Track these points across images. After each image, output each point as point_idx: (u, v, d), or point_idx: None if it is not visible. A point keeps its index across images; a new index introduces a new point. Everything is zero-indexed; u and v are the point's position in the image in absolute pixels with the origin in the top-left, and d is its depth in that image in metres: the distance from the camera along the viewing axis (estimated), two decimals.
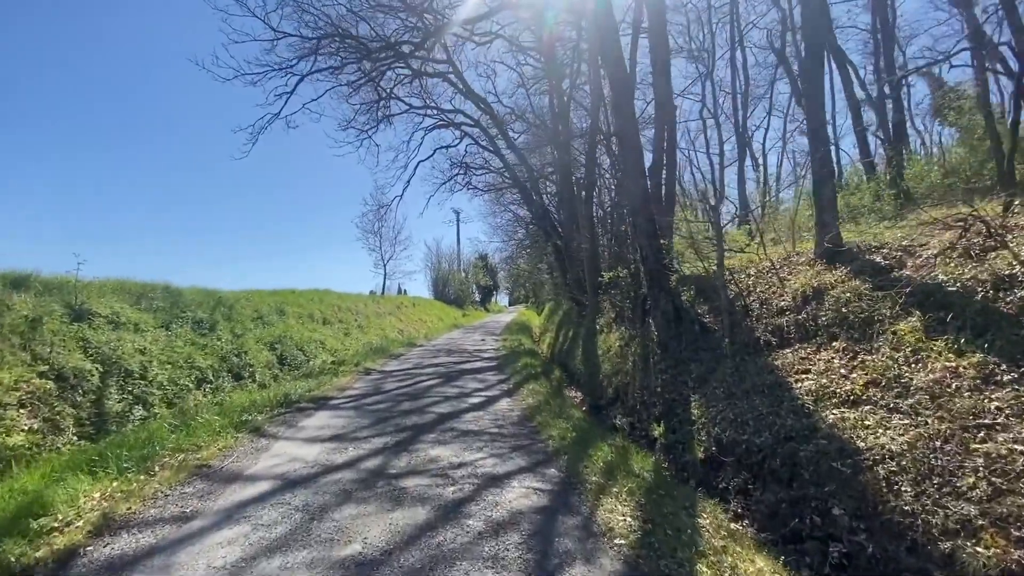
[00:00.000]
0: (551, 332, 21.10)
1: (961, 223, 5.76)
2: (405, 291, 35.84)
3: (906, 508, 3.34)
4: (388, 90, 16.46)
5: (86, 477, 4.14)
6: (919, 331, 4.44)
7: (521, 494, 3.83)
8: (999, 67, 8.98)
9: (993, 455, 3.18)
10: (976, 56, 8.17)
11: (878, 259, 5.81)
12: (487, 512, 3.48)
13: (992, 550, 2.79)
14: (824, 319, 5.61)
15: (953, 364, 3.92)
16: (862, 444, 3.91)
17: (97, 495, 3.89)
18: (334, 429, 5.85)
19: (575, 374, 12.55)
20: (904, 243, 5.80)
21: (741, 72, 20.00)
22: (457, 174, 21.10)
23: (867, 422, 4.06)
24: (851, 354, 4.98)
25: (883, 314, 4.93)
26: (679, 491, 4.43)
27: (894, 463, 3.61)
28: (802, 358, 5.54)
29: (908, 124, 16.92)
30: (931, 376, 3.98)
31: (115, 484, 4.05)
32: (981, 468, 3.14)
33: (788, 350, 5.86)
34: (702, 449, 5.62)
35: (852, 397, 4.42)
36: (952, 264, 4.80)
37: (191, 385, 9.14)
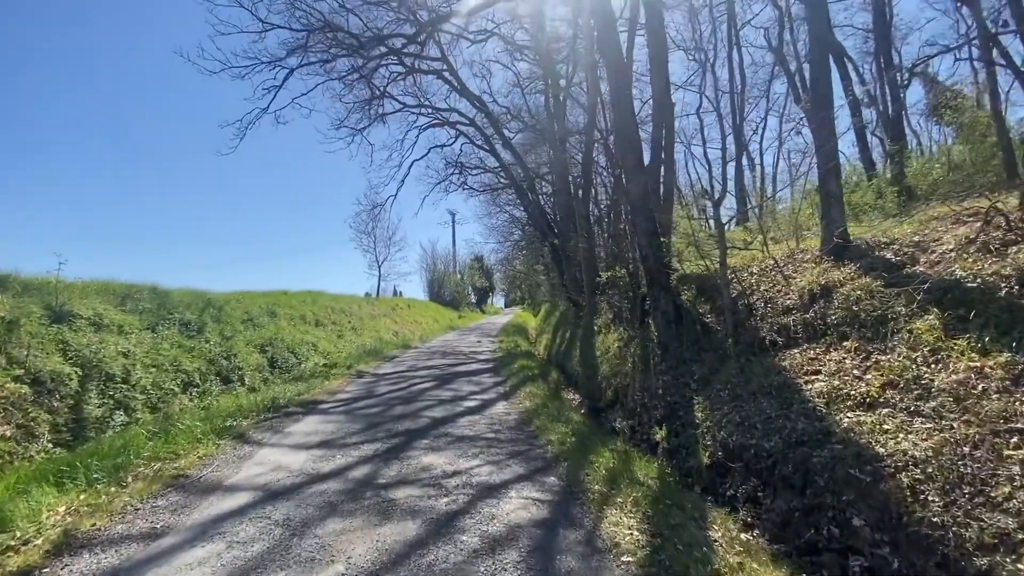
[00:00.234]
0: (548, 333, 20.85)
1: (973, 217, 5.58)
2: (400, 293, 35.50)
3: (935, 520, 3.11)
4: (382, 88, 16.20)
5: (52, 489, 3.85)
6: (937, 329, 4.22)
7: (519, 505, 3.58)
8: (1002, 60, 8.82)
9: None
10: (983, 47, 8.00)
11: (888, 255, 5.60)
12: (483, 527, 3.22)
13: None
14: (833, 318, 5.38)
15: (978, 364, 3.70)
16: (882, 450, 3.68)
17: (62, 509, 3.61)
18: (323, 435, 5.58)
19: (573, 376, 12.31)
20: (915, 239, 5.59)
21: (738, 72, 19.88)
22: (452, 174, 20.88)
23: (886, 426, 3.83)
24: (864, 354, 4.76)
25: (897, 312, 4.71)
26: (686, 500, 4.19)
27: (919, 470, 3.37)
28: (811, 358, 5.31)
29: (904, 124, 16.80)
30: (954, 377, 3.76)
31: (83, 497, 3.77)
32: (1018, 476, 2.91)
33: (795, 350, 5.63)
34: (707, 454, 5.38)
35: (868, 399, 4.18)
36: (970, 259, 4.59)
37: (176, 389, 8.83)
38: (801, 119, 18.27)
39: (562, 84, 17.19)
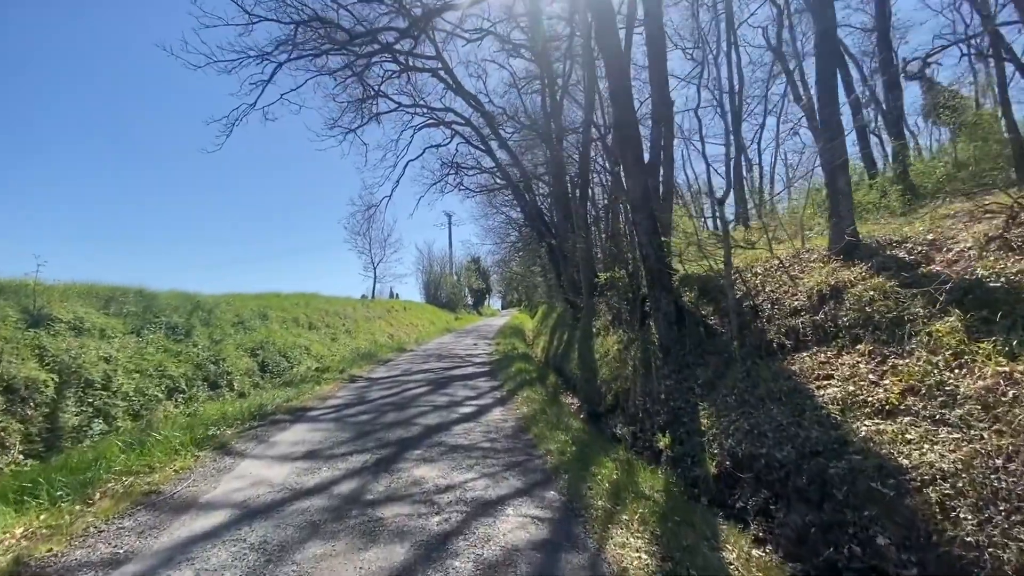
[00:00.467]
0: (545, 335, 20.58)
1: (989, 214, 5.36)
2: (397, 295, 35.18)
3: (968, 539, 2.86)
4: (376, 87, 15.93)
5: (10, 509, 3.56)
6: (960, 332, 3.98)
7: (517, 524, 3.30)
8: (1005, 54, 8.63)
9: None
10: (992, 40, 7.82)
11: (901, 254, 5.37)
12: (477, 550, 2.95)
13: None
14: (845, 319, 5.14)
15: (1006, 369, 3.46)
16: (906, 461, 3.43)
17: (19, 531, 3.31)
18: (309, 445, 5.29)
19: (571, 379, 12.05)
20: (929, 237, 5.36)
21: (736, 71, 19.69)
22: (448, 174, 20.62)
23: (909, 436, 3.58)
24: (879, 358, 4.52)
25: (915, 313, 4.47)
26: (696, 516, 3.92)
27: (948, 485, 3.12)
28: (822, 362, 5.06)
29: (904, 123, 16.64)
30: (981, 383, 3.51)
31: (43, 517, 3.47)
32: None
33: (805, 353, 5.38)
34: (714, 463, 5.12)
35: (887, 406, 3.94)
36: (992, 258, 4.36)
37: (161, 395, 8.51)
38: (801, 119, 18.12)
39: (559, 84, 16.96)
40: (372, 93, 15.80)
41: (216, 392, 9.87)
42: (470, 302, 52.43)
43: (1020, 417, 3.15)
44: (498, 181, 22.25)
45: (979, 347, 3.76)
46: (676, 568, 2.79)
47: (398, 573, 2.70)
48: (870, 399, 4.13)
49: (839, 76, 13.66)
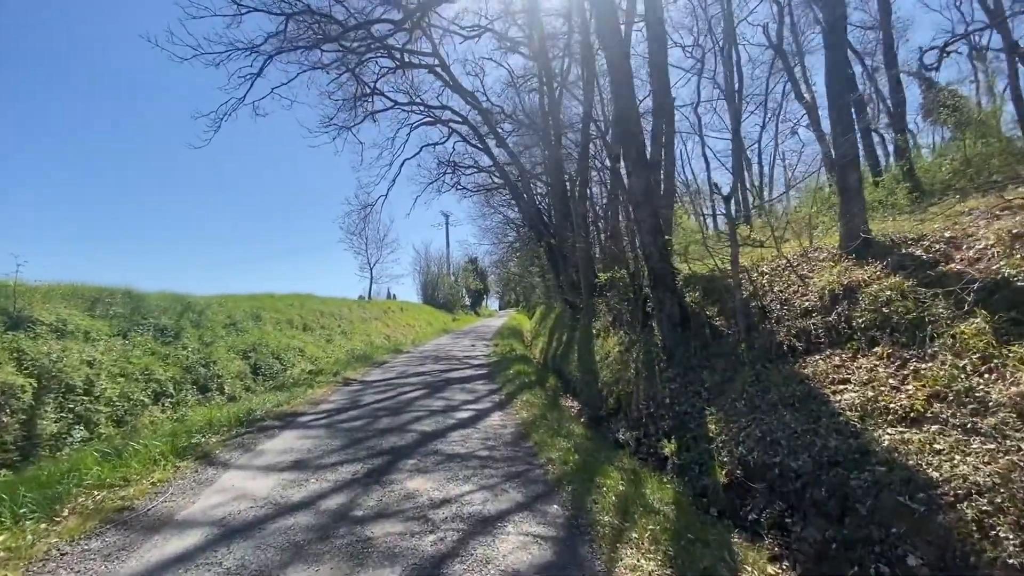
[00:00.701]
0: (543, 336, 20.33)
1: (1008, 211, 5.13)
2: (394, 296, 34.87)
3: (1011, 561, 2.62)
4: (371, 84, 15.65)
5: None
6: (987, 334, 3.75)
7: (518, 544, 3.05)
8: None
9: None
10: (1003, 34, 7.62)
11: (918, 252, 5.14)
12: (474, 575, 2.69)
13: None
14: (860, 321, 4.91)
15: None
16: (936, 474, 3.19)
17: None
18: (298, 453, 5.02)
19: (570, 381, 11.79)
20: (946, 234, 5.13)
21: (736, 69, 19.50)
22: (445, 173, 20.35)
23: (938, 445, 3.34)
24: (898, 361, 4.28)
25: (936, 314, 4.24)
26: (709, 532, 3.67)
27: (985, 500, 2.88)
28: (836, 365, 4.82)
29: (906, 121, 16.46)
30: (1015, 389, 3.28)
31: (3, 538, 3.19)
32: None
33: (817, 356, 5.15)
34: (724, 471, 4.87)
35: (911, 414, 3.70)
36: (1018, 256, 4.13)
37: (147, 400, 8.22)
38: (802, 116, 17.94)
39: (557, 82, 16.72)
40: (368, 91, 15.52)
41: (206, 396, 9.58)
42: (468, 303, 52.15)
43: None
44: (496, 180, 22.01)
45: (1010, 350, 3.53)
46: None
47: None
48: (892, 405, 3.89)
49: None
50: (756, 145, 22.70)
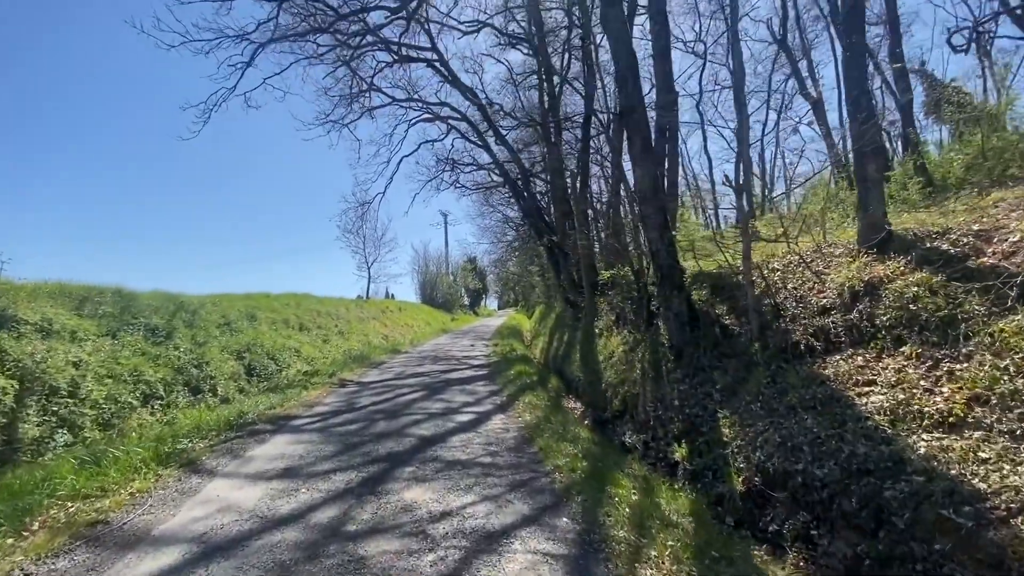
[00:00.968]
0: (544, 336, 20.06)
1: None
2: (392, 295, 34.54)
3: None
4: (369, 80, 15.35)
5: None
6: None
7: (526, 564, 2.77)
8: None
9: None
10: (1020, 24, 7.36)
11: (945, 246, 4.87)
12: None
13: None
14: (884, 319, 4.64)
15: None
16: (983, 485, 2.92)
17: None
18: (289, 460, 4.74)
19: (573, 382, 11.52)
20: (974, 227, 4.87)
21: (739, 64, 19.23)
22: (444, 171, 19.99)
23: (983, 454, 3.07)
24: (929, 361, 4.01)
25: (970, 311, 3.97)
26: (733, 546, 3.40)
27: None
28: (860, 366, 4.55)
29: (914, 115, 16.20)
30: None
31: None
32: None
33: (838, 356, 4.88)
34: (741, 478, 4.60)
35: (950, 418, 3.43)
36: None
37: (135, 402, 7.93)
38: (807, 112, 17.69)
39: (557, 80, 16.43)
40: (365, 87, 15.22)
41: (198, 398, 9.29)
42: (466, 302, 51.85)
43: None
44: (495, 178, 21.70)
45: None
46: None
47: None
48: (926, 409, 3.62)
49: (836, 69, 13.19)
50: (759, 143, 22.44)
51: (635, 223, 10.29)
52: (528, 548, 2.95)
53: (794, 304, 5.90)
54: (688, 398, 6.26)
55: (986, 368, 3.51)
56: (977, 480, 2.97)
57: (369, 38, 12.21)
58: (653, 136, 9.72)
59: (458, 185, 21.52)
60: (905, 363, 4.18)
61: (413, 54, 14.80)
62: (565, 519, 3.37)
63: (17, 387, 6.42)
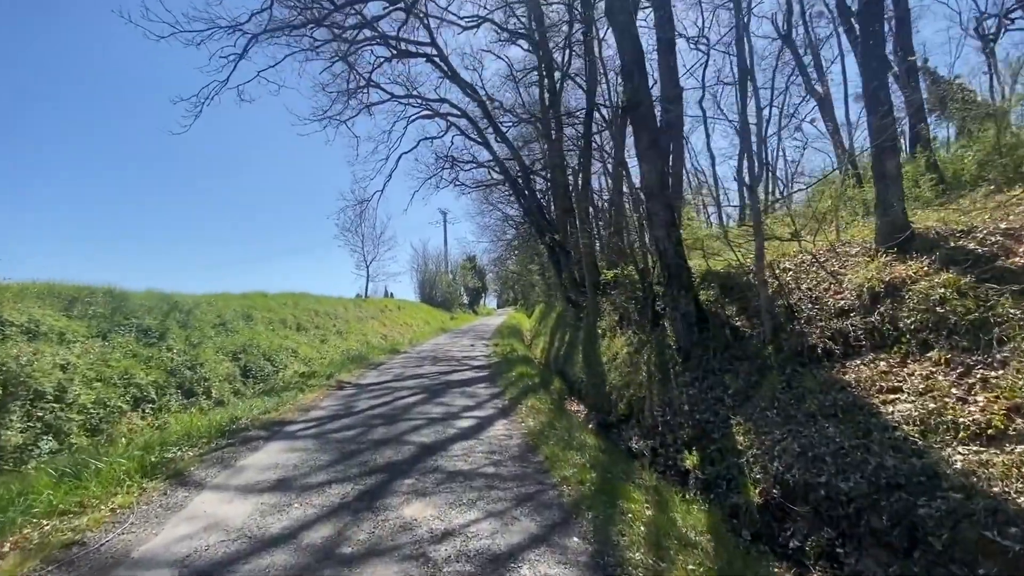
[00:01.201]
0: (544, 336, 19.83)
1: None
2: (391, 294, 34.29)
3: None
4: (367, 76, 15.07)
5: None
6: None
7: None
8: None
9: None
10: None
11: (971, 245, 4.64)
12: None
13: None
14: (909, 322, 4.41)
15: None
16: None
17: None
18: (283, 470, 4.50)
19: (575, 383, 11.29)
20: (1002, 225, 4.64)
21: (749, 57, 18.96)
22: (443, 168, 19.73)
23: None
24: (960, 368, 3.79)
25: (1004, 315, 3.74)
26: (753, 563, 3.17)
27: None
28: (883, 372, 4.33)
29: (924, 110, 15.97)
30: None
31: None
32: None
33: (858, 361, 4.65)
34: (758, 490, 4.37)
35: (988, 430, 3.20)
36: None
37: (125, 406, 7.68)
38: (812, 108, 17.44)
39: (558, 74, 16.17)
40: (363, 83, 14.95)
41: (191, 401, 9.04)
42: (466, 301, 51.61)
43: None
44: (495, 176, 21.44)
45: None
46: None
47: None
48: (960, 420, 3.39)
49: (843, 65, 12.94)
50: (763, 141, 22.19)
51: (640, 221, 10.06)
52: (537, 573, 2.72)
53: (809, 305, 5.67)
54: (698, 403, 6.04)
55: None
56: (1022, 498, 2.74)
57: (367, 32, 11.93)
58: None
59: (458, 183, 21.26)
60: (933, 369, 3.95)
61: (412, 49, 14.52)
62: (576, 538, 3.14)
63: (0, 391, 6.18)
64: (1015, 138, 8.56)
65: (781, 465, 4.26)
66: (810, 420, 4.42)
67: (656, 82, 11.53)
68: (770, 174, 21.17)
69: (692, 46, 18.89)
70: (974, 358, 3.74)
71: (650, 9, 11.03)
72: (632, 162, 12.09)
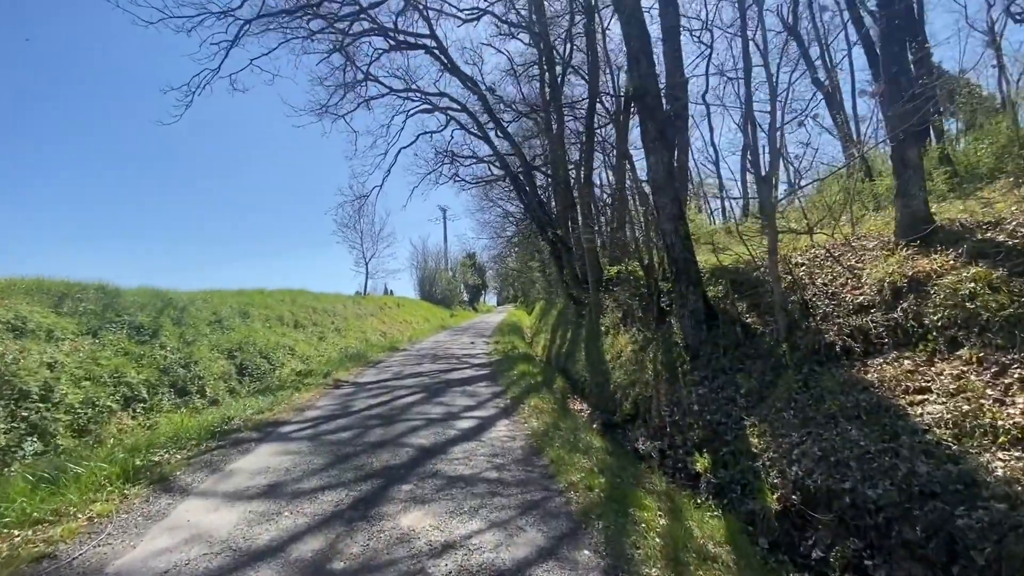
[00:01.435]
0: (545, 333, 19.60)
1: None
2: (391, 291, 34.06)
3: None
4: (365, 69, 14.79)
5: None
6: None
7: None
8: None
9: None
10: None
11: (1001, 238, 4.40)
12: None
13: None
14: (935, 318, 4.18)
15: None
16: None
17: None
18: (274, 475, 4.27)
19: (578, 382, 11.06)
20: None
21: (763, 38, 18.65)
22: (443, 164, 19.46)
23: None
24: (995, 367, 3.55)
25: None
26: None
27: None
28: (909, 371, 4.09)
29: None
30: None
31: None
32: None
33: (881, 359, 4.42)
34: (776, 496, 4.14)
35: None
36: None
37: (115, 406, 7.42)
38: (819, 102, 17.16)
39: (559, 66, 15.89)
40: (361, 76, 14.68)
41: (184, 400, 8.78)
42: (465, 298, 51.36)
43: None
44: (495, 171, 21.16)
45: None
46: None
47: None
48: (999, 423, 3.16)
49: (850, 57, 12.66)
50: (765, 136, 21.92)
51: (645, 216, 9.82)
52: None
53: (825, 301, 5.44)
54: (708, 403, 5.80)
55: None
56: None
57: (365, 24, 11.64)
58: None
59: (457, 178, 20.98)
60: (964, 368, 3.72)
61: (411, 40, 14.23)
62: (587, 551, 2.90)
63: None
64: None
65: (800, 469, 4.03)
66: (831, 422, 4.19)
67: (662, 71, 11.31)
68: (787, 164, 20.93)
69: (696, 39, 18.64)
70: (1010, 356, 3.51)
71: None
72: (635, 155, 11.85)
